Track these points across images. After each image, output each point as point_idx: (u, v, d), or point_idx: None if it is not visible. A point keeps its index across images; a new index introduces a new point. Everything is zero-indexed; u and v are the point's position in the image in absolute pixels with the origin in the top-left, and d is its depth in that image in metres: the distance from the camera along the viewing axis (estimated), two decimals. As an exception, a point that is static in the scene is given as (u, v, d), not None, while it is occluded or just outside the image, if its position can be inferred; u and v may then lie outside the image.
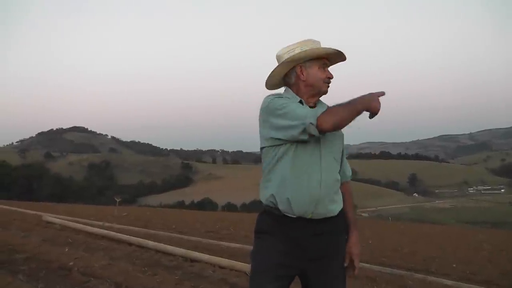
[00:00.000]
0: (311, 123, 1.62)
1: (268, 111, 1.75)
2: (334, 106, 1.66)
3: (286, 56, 1.81)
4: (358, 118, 1.62)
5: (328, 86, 1.84)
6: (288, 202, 1.68)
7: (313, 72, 1.81)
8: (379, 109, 1.60)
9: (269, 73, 1.88)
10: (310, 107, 1.81)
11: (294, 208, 1.68)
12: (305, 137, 1.66)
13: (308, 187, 1.68)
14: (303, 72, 1.82)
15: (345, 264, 1.83)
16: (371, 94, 1.61)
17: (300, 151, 1.71)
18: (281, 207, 1.71)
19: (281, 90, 1.93)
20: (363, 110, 1.60)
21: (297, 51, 1.79)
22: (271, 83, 1.94)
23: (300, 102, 1.79)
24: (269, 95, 1.82)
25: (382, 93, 1.62)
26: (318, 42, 1.84)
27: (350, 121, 1.64)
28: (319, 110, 1.66)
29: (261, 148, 1.82)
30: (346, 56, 1.85)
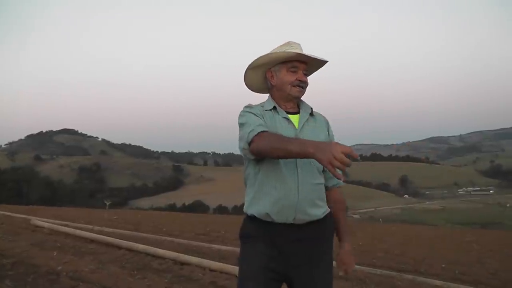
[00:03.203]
0: (245, 149, 1.65)
1: (239, 125, 1.76)
2: (272, 134, 1.60)
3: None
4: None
5: (300, 90, 1.80)
6: (267, 215, 1.69)
7: (281, 76, 1.80)
8: (326, 162, 1.29)
9: (244, 80, 1.90)
10: (289, 112, 1.81)
11: (274, 218, 1.68)
12: (250, 157, 1.69)
13: (285, 197, 1.67)
14: (273, 76, 1.83)
15: (340, 273, 1.85)
16: (328, 145, 1.34)
17: (273, 163, 1.69)
18: (262, 218, 1.71)
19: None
20: (299, 154, 1.43)
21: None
22: (255, 88, 1.95)
23: (274, 108, 1.80)
24: (245, 106, 1.82)
25: (348, 150, 1.30)
26: (297, 45, 1.81)
27: (277, 156, 1.57)
28: (254, 129, 1.62)
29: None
30: (319, 58, 1.79)
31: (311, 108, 1.88)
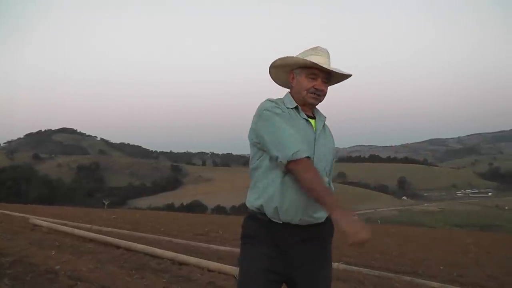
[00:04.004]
0: (281, 161, 1.62)
1: (260, 118, 1.73)
2: (315, 171, 1.62)
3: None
4: None
5: (315, 98, 1.78)
6: (275, 210, 1.68)
7: (300, 80, 1.79)
8: (349, 238, 1.44)
9: (270, 76, 1.93)
10: (308, 115, 1.80)
11: (281, 215, 1.67)
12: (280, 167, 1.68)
13: (297, 197, 1.67)
14: (294, 79, 1.83)
15: None
16: (354, 225, 1.45)
17: None
18: (268, 213, 1.70)
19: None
20: (325, 207, 1.57)
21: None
22: (277, 81, 1.96)
23: (296, 108, 1.78)
24: (269, 100, 1.78)
25: (366, 238, 1.44)
26: (324, 51, 1.80)
27: (305, 191, 1.63)
28: (300, 150, 1.62)
29: (251, 144, 1.79)
30: (338, 71, 1.78)
31: (325, 118, 1.89)
